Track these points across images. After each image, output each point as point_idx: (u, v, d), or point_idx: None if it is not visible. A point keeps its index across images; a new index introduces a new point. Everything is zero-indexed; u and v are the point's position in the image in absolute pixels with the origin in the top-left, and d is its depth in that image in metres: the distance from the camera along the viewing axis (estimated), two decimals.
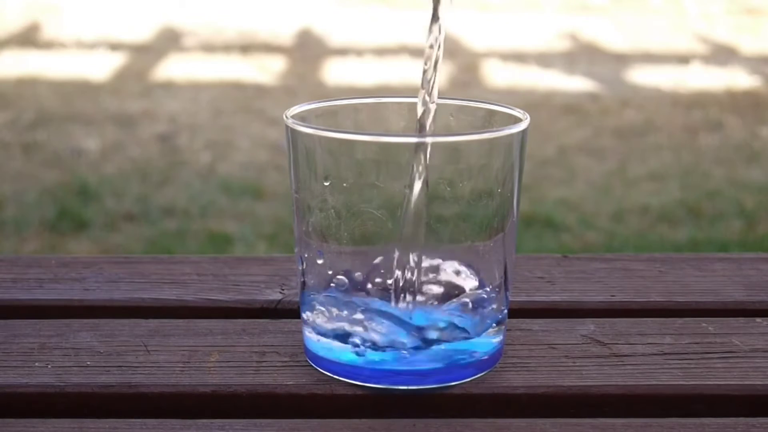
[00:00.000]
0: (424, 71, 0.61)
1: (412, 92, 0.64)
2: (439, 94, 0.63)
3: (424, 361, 0.59)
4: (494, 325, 0.60)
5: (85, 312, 0.71)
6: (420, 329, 0.59)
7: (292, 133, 0.60)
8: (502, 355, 0.63)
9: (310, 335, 0.62)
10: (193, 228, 2.47)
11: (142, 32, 4.78)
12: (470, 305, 0.60)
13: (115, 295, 0.73)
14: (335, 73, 4.14)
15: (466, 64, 4.27)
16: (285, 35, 4.78)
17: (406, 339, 0.58)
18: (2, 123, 3.34)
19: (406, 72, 4.11)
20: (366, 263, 0.60)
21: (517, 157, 0.60)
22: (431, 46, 0.61)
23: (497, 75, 4.11)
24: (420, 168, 0.58)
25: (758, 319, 0.69)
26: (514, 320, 0.67)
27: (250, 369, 0.62)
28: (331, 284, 0.60)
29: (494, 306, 0.60)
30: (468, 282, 0.60)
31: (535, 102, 3.60)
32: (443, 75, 4.04)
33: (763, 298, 0.73)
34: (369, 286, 0.60)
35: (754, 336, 0.67)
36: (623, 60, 4.40)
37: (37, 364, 0.63)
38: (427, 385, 0.60)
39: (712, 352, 0.65)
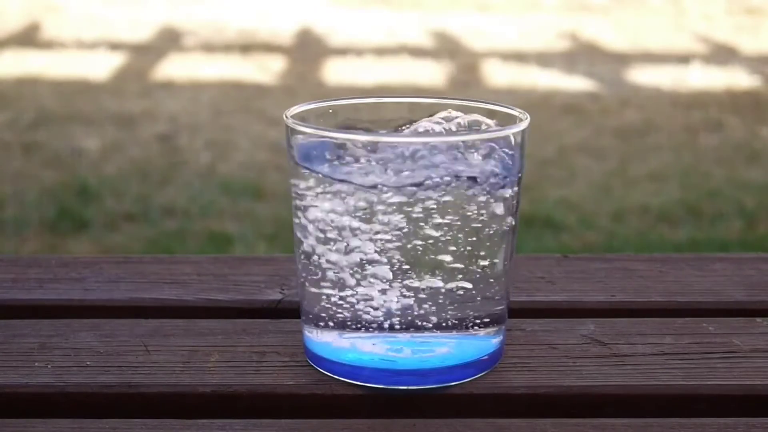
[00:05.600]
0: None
1: (412, 92, 0.64)
2: (438, 94, 0.63)
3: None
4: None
5: (85, 312, 0.71)
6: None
7: (292, 133, 0.60)
8: (503, 355, 0.63)
9: (310, 334, 0.62)
10: (193, 228, 2.46)
11: (142, 32, 4.78)
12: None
13: (115, 295, 0.73)
14: (335, 73, 4.14)
15: (466, 64, 4.27)
16: (285, 35, 4.78)
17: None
18: (2, 123, 3.34)
19: (406, 72, 4.11)
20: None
21: (517, 157, 0.61)
22: None
23: (497, 75, 4.11)
24: None
25: (758, 319, 0.69)
26: (514, 320, 0.67)
27: (250, 369, 0.62)
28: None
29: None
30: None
31: (535, 102, 3.60)
32: (443, 75, 4.05)
33: (763, 298, 0.73)
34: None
35: (755, 336, 0.67)
36: (623, 60, 4.40)
37: (37, 364, 0.63)
38: (427, 385, 0.60)
39: (712, 352, 0.65)
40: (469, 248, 0.59)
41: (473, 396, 0.60)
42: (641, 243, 2.41)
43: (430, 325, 0.59)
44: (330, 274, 0.60)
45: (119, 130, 3.27)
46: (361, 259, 0.58)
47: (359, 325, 0.60)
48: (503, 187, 0.60)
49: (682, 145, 3.19)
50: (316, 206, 0.59)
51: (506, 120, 0.63)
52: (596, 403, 0.61)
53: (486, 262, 0.60)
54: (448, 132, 0.64)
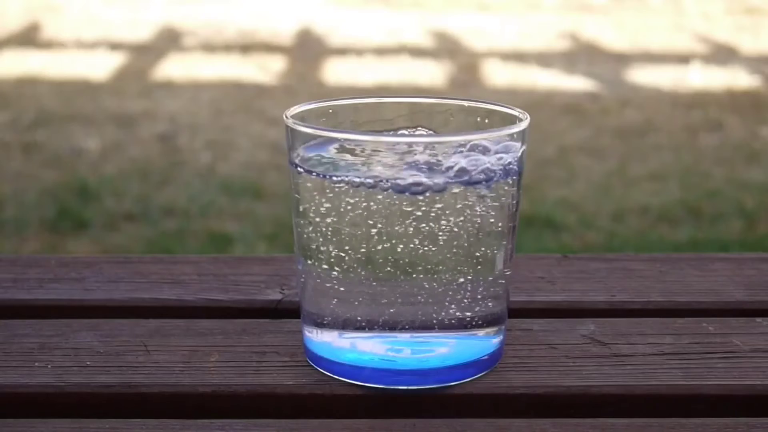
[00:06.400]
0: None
1: (411, 92, 0.64)
2: (439, 94, 0.63)
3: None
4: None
5: (85, 312, 0.71)
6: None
7: (292, 133, 0.61)
8: (502, 355, 0.63)
9: (310, 334, 0.62)
10: (193, 228, 2.47)
11: (142, 32, 4.78)
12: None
13: (115, 295, 0.73)
14: (335, 73, 4.14)
15: (466, 64, 4.27)
16: (285, 35, 4.78)
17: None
18: (2, 123, 3.34)
19: (406, 72, 4.11)
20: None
21: (517, 157, 0.60)
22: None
23: (497, 75, 4.11)
24: None
25: (759, 319, 0.69)
26: (514, 320, 0.67)
27: (250, 369, 0.62)
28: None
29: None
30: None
31: (535, 102, 3.60)
32: (443, 75, 4.05)
33: (763, 298, 0.73)
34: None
35: (755, 336, 0.67)
36: (623, 60, 4.40)
37: (37, 364, 0.63)
38: (427, 385, 0.60)
39: (712, 352, 0.65)
40: (469, 248, 0.59)
41: (473, 396, 0.60)
42: (641, 243, 2.41)
43: (430, 325, 0.59)
44: (330, 273, 0.60)
45: (119, 130, 3.27)
46: (361, 259, 0.58)
47: (359, 325, 0.60)
48: (503, 187, 0.60)
49: (682, 145, 3.19)
50: (315, 206, 0.60)
51: (506, 120, 0.63)
52: (596, 403, 0.61)
53: (486, 262, 0.60)
54: (448, 132, 0.64)
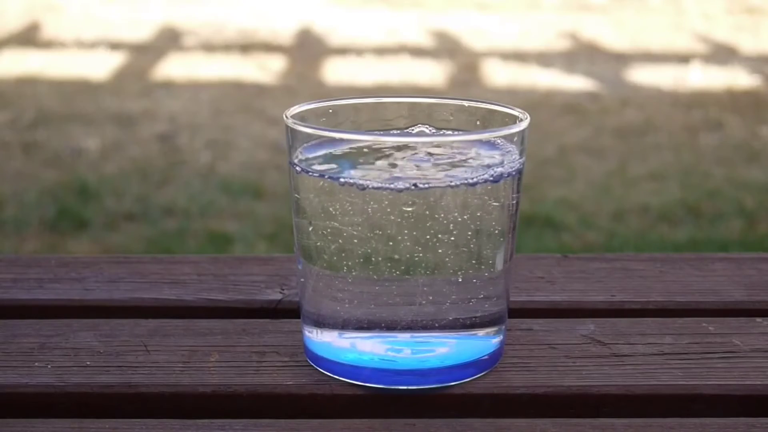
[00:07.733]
0: None
1: (411, 92, 0.64)
2: (439, 94, 0.63)
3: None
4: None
5: (85, 312, 0.71)
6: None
7: (292, 133, 0.61)
8: (502, 355, 0.63)
9: (310, 334, 0.62)
10: (193, 228, 2.46)
11: (142, 32, 4.78)
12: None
13: (115, 295, 0.73)
14: (335, 72, 4.14)
15: (466, 64, 4.27)
16: (285, 35, 4.78)
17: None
18: (2, 123, 3.34)
19: (406, 72, 4.11)
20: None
21: (517, 157, 0.60)
22: None
23: (497, 75, 4.11)
24: None
25: (758, 319, 0.69)
26: (514, 320, 0.67)
27: (250, 369, 0.62)
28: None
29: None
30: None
31: (535, 102, 3.60)
32: (443, 75, 4.05)
33: (763, 298, 0.73)
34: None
35: (755, 336, 0.67)
36: (623, 60, 4.40)
37: (37, 364, 0.63)
38: (427, 385, 0.60)
39: (712, 352, 0.65)
40: (469, 248, 0.59)
41: (473, 396, 0.60)
42: (641, 243, 2.41)
43: (430, 325, 0.59)
44: (330, 273, 0.60)
45: (119, 130, 3.27)
46: (361, 258, 0.58)
47: (359, 325, 0.60)
48: (503, 186, 0.60)
49: (682, 145, 3.19)
50: (315, 206, 0.60)
51: (506, 120, 0.63)
52: (596, 403, 0.61)
53: (486, 262, 0.60)
54: (449, 133, 0.64)
